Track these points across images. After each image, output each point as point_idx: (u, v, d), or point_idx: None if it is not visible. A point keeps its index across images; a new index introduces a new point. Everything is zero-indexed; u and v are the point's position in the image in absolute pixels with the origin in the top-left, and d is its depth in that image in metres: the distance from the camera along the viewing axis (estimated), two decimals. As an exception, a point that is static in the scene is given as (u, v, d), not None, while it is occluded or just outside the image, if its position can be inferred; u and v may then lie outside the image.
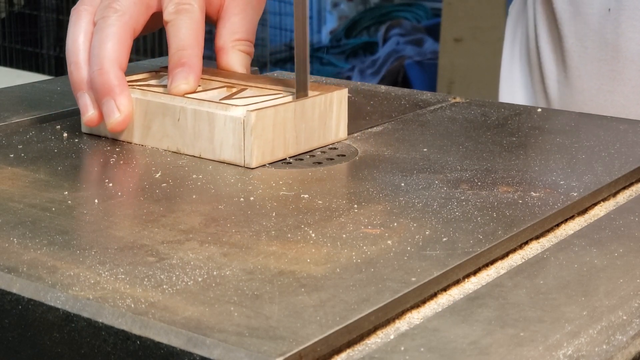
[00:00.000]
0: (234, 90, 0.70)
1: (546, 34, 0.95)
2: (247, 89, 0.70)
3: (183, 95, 0.66)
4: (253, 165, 0.62)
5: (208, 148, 0.64)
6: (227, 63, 0.75)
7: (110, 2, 0.69)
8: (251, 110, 0.62)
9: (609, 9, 0.87)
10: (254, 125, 0.62)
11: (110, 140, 0.69)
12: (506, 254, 0.52)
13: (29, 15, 3.49)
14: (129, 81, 0.69)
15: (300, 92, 0.66)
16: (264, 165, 0.63)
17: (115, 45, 0.67)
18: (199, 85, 0.69)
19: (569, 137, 0.70)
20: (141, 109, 0.67)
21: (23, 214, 0.54)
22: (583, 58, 0.90)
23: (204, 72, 0.71)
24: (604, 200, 0.60)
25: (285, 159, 0.64)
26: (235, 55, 0.75)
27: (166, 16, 0.70)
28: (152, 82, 0.72)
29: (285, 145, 0.64)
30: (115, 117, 0.67)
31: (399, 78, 3.44)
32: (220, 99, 0.66)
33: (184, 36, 0.69)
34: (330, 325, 0.41)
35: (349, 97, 0.69)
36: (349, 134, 0.70)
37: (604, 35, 0.88)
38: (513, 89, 1.01)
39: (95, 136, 0.69)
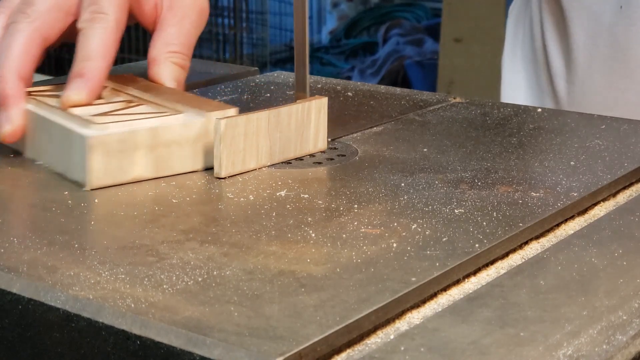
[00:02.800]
0: (131, 104, 0.65)
1: (553, 31, 0.95)
2: (143, 104, 0.65)
3: (69, 107, 0.63)
4: (222, 175, 0.60)
5: (69, 165, 0.60)
6: (157, 75, 0.70)
7: (23, 7, 0.66)
8: (220, 118, 0.59)
9: (621, 6, 0.87)
10: (224, 134, 0.60)
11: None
12: (506, 254, 0.52)
13: (29, 15, 3.48)
14: (37, 91, 0.66)
15: (300, 91, 0.66)
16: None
17: (18, 54, 0.65)
18: (101, 98, 0.66)
19: (569, 137, 0.70)
20: (30, 121, 0.64)
21: (23, 214, 0.54)
22: (593, 56, 0.90)
23: (121, 81, 0.68)
24: (604, 200, 0.60)
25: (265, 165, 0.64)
26: (167, 67, 0.70)
27: (79, 23, 0.67)
28: (59, 93, 0.67)
29: (258, 155, 0.62)
30: (6, 128, 0.64)
31: (399, 78, 3.44)
32: (97, 114, 0.62)
33: (93, 47, 0.65)
34: (330, 325, 0.41)
35: (349, 97, 0.69)
36: (349, 133, 0.70)
37: (614, 33, 0.88)
38: (515, 90, 1.01)
39: None
